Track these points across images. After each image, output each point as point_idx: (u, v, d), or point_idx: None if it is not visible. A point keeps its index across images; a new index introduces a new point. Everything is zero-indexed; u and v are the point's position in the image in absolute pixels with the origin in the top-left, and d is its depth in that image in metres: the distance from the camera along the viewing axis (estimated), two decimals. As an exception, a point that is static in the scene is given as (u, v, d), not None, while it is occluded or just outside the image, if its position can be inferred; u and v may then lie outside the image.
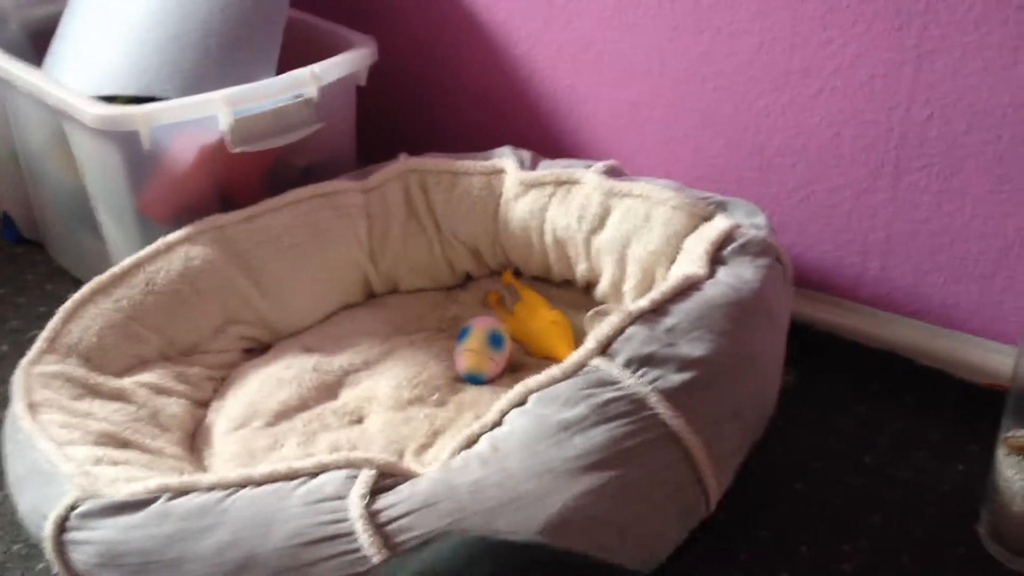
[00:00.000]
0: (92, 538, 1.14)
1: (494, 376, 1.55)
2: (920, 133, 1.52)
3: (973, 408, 1.57)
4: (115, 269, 1.53)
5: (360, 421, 1.48)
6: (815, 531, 1.37)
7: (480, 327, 1.56)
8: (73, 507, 1.17)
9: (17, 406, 1.31)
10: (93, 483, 1.18)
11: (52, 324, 1.45)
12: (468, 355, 1.53)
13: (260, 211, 1.64)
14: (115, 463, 1.25)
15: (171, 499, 1.15)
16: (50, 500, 1.19)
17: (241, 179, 1.74)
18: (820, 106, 1.59)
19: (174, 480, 1.17)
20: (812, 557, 1.34)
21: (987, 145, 1.48)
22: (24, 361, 1.40)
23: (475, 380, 1.54)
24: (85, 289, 1.50)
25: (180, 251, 1.57)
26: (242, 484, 1.16)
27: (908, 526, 1.38)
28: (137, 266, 1.54)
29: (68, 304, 1.48)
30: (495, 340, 1.55)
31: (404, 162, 1.76)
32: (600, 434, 1.16)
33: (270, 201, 1.66)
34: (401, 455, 1.38)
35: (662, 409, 1.20)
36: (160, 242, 1.57)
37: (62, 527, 1.16)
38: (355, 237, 1.70)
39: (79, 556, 1.16)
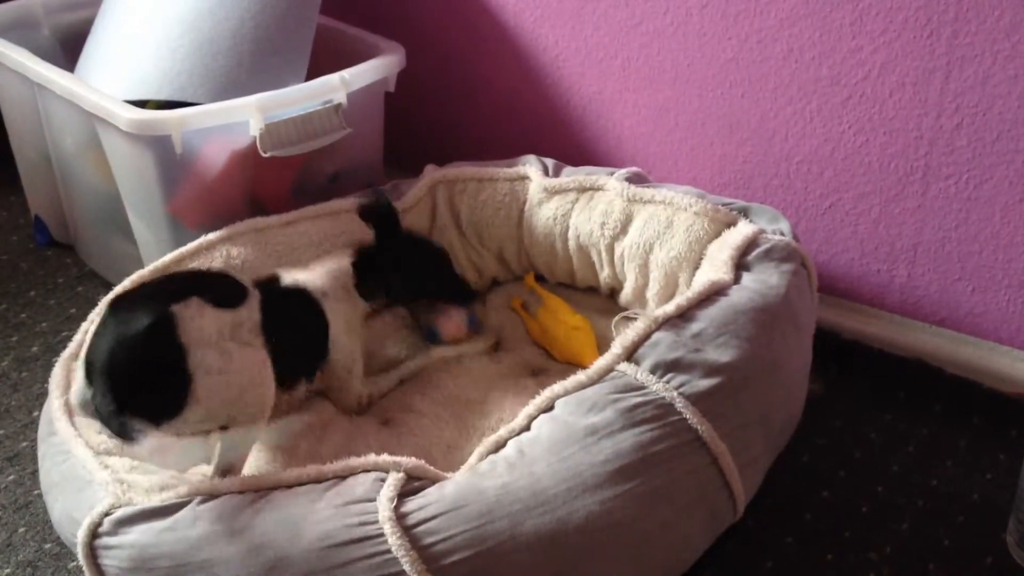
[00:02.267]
0: (124, 543, 1.16)
1: (453, 335, 1.63)
2: (949, 141, 1.52)
3: (1001, 417, 1.56)
4: (156, 264, 1.54)
5: (387, 423, 1.49)
6: (841, 539, 1.37)
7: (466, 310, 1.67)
8: (107, 514, 1.18)
9: (54, 404, 1.33)
10: (127, 491, 1.19)
11: (93, 316, 1.46)
12: (440, 317, 1.64)
13: (299, 217, 1.66)
14: (148, 472, 1.26)
15: (202, 503, 1.16)
16: (84, 507, 1.20)
17: (270, 183, 1.76)
18: (848, 114, 1.59)
19: (205, 484, 1.19)
20: (838, 565, 1.33)
21: (1016, 154, 1.47)
22: (64, 355, 1.41)
23: (432, 337, 1.63)
24: (127, 283, 1.51)
25: (221, 249, 1.59)
26: (272, 487, 1.17)
27: (935, 534, 1.37)
28: (178, 262, 1.55)
29: (110, 297, 1.48)
30: (472, 321, 1.66)
31: (431, 175, 1.77)
32: (627, 439, 1.17)
33: (310, 208, 1.68)
34: (430, 457, 1.39)
35: (688, 414, 1.20)
36: (202, 240, 1.59)
37: (95, 533, 1.18)
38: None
39: (111, 561, 1.17)
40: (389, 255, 1.58)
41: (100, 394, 1.18)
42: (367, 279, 1.54)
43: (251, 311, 1.32)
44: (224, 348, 1.24)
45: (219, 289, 1.31)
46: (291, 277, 1.48)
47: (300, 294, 1.46)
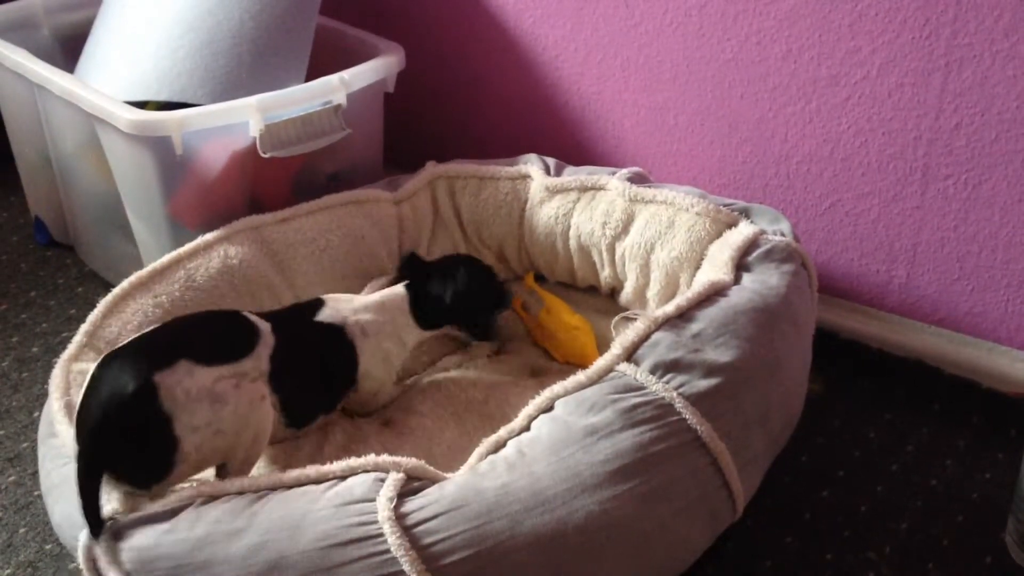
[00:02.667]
0: (125, 546, 1.15)
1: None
2: (948, 142, 1.52)
3: (1000, 417, 1.56)
4: (155, 265, 1.54)
5: (388, 424, 1.49)
6: (841, 538, 1.37)
7: None
8: (108, 519, 1.17)
9: (54, 405, 1.32)
10: (132, 504, 1.18)
11: (92, 318, 1.46)
12: None
13: (295, 214, 1.66)
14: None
15: (202, 504, 1.16)
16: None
17: (270, 184, 1.76)
18: (848, 114, 1.59)
19: (205, 486, 1.19)
20: (837, 564, 1.34)
21: (1015, 154, 1.48)
22: (63, 357, 1.41)
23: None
24: (125, 284, 1.51)
25: (219, 249, 1.59)
26: (271, 487, 1.17)
27: (934, 534, 1.37)
28: (177, 263, 1.55)
29: (109, 298, 1.49)
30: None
31: (431, 169, 1.78)
32: (626, 439, 1.17)
33: (305, 205, 1.68)
34: (431, 458, 1.39)
35: (688, 414, 1.20)
36: (199, 240, 1.59)
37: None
38: (386, 245, 1.72)
39: (112, 565, 1.16)
40: (441, 278, 1.53)
41: (84, 460, 1.17)
42: (424, 306, 1.51)
43: (258, 361, 1.30)
44: (216, 394, 1.23)
45: (220, 341, 1.29)
46: (332, 310, 1.44)
47: (331, 332, 1.42)
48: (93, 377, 1.22)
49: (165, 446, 1.19)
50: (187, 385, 1.21)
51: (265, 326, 1.34)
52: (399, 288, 1.51)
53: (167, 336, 1.28)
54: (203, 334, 1.30)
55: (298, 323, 1.41)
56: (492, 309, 1.61)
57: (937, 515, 1.40)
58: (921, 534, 1.37)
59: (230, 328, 1.33)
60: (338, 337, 1.43)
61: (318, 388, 1.42)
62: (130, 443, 1.18)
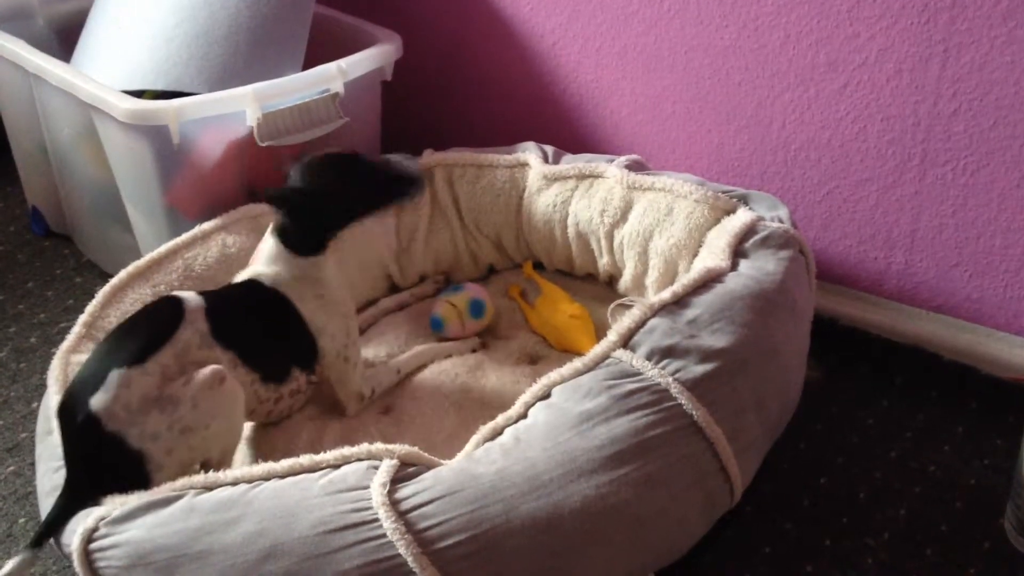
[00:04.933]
0: (120, 541, 1.15)
1: (454, 336, 1.62)
2: (946, 127, 1.52)
3: (998, 403, 1.56)
4: (153, 255, 1.54)
5: (387, 412, 1.49)
6: (839, 525, 1.37)
7: (471, 290, 1.66)
8: (101, 518, 1.17)
9: (52, 400, 1.32)
10: (124, 498, 1.19)
11: (90, 308, 1.46)
12: (446, 305, 1.62)
13: (293, 203, 1.66)
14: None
15: (197, 495, 1.16)
16: (80, 516, 1.19)
17: (267, 173, 1.76)
18: (846, 100, 1.59)
19: (198, 478, 1.19)
20: (836, 550, 1.34)
21: (1014, 140, 1.47)
22: (62, 348, 1.41)
23: (437, 326, 1.63)
24: (123, 274, 1.51)
25: (217, 239, 1.59)
26: (266, 477, 1.17)
27: (932, 520, 1.37)
28: (175, 252, 1.56)
29: (107, 288, 1.49)
30: (476, 307, 1.64)
31: (429, 157, 1.77)
32: (622, 425, 1.17)
33: (303, 194, 1.67)
34: (430, 446, 1.39)
35: (684, 400, 1.20)
36: (197, 229, 1.59)
37: (89, 538, 1.17)
38: (384, 234, 1.72)
39: (107, 562, 1.16)
40: (302, 197, 1.40)
41: (69, 486, 1.21)
42: (295, 233, 1.39)
43: (194, 325, 1.30)
44: (169, 396, 1.23)
45: (142, 334, 1.28)
46: (241, 276, 1.42)
47: (252, 286, 1.39)
48: (59, 414, 1.25)
49: (131, 463, 1.22)
50: (126, 399, 1.22)
51: (189, 294, 1.34)
52: (267, 236, 1.42)
53: (98, 355, 1.28)
54: (122, 340, 1.29)
55: (216, 291, 1.40)
56: (382, 202, 1.43)
57: (935, 501, 1.40)
58: (919, 520, 1.37)
59: (153, 311, 1.33)
60: (256, 286, 1.39)
61: (272, 337, 1.38)
62: (100, 469, 1.21)
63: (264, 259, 1.41)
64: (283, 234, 1.40)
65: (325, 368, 1.45)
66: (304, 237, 1.39)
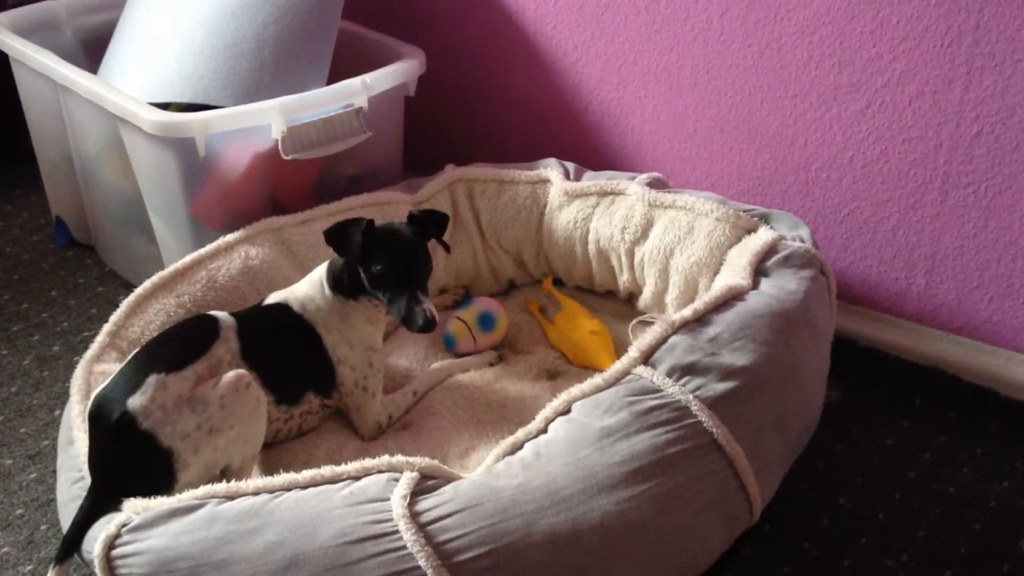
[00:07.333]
0: (142, 548, 1.16)
1: (467, 351, 1.63)
2: (968, 150, 1.52)
3: (1017, 425, 1.56)
4: (176, 265, 1.56)
5: (406, 427, 1.49)
6: (858, 545, 1.37)
7: (480, 304, 1.67)
8: (123, 524, 1.18)
9: (74, 409, 1.34)
10: (146, 503, 1.20)
11: (114, 318, 1.48)
12: (456, 321, 1.64)
13: (315, 215, 1.68)
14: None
15: (219, 504, 1.17)
16: (101, 523, 1.21)
17: (291, 186, 1.77)
18: (868, 121, 1.59)
19: (220, 486, 1.19)
20: (855, 570, 1.33)
21: (1036, 161, 1.48)
22: (86, 357, 1.42)
23: (449, 344, 1.64)
24: (147, 284, 1.53)
25: (240, 250, 1.60)
26: (287, 487, 1.18)
27: (952, 541, 1.37)
28: (198, 263, 1.57)
29: (131, 298, 1.50)
30: (485, 321, 1.64)
31: (451, 172, 1.78)
32: (642, 441, 1.17)
33: (325, 207, 1.69)
34: (448, 459, 1.40)
35: (704, 417, 1.20)
36: (220, 241, 1.60)
37: (111, 545, 1.18)
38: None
39: (129, 570, 1.17)
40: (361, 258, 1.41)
41: (94, 490, 1.24)
42: (341, 276, 1.43)
43: (227, 344, 1.36)
44: (200, 397, 1.28)
45: (180, 345, 1.33)
46: (274, 297, 1.47)
47: (281, 310, 1.45)
48: (90, 417, 1.29)
49: (160, 460, 1.25)
50: (161, 400, 1.26)
51: (224, 314, 1.40)
52: (320, 266, 1.48)
53: (133, 363, 1.32)
54: (170, 342, 1.36)
55: (248, 312, 1.45)
56: (400, 285, 1.38)
57: (955, 522, 1.40)
58: (939, 541, 1.37)
59: (193, 326, 1.39)
60: (287, 312, 1.44)
61: (290, 361, 1.43)
62: (129, 468, 1.25)
63: (307, 282, 1.47)
64: (332, 271, 1.45)
65: (344, 396, 1.47)
66: (349, 284, 1.44)
